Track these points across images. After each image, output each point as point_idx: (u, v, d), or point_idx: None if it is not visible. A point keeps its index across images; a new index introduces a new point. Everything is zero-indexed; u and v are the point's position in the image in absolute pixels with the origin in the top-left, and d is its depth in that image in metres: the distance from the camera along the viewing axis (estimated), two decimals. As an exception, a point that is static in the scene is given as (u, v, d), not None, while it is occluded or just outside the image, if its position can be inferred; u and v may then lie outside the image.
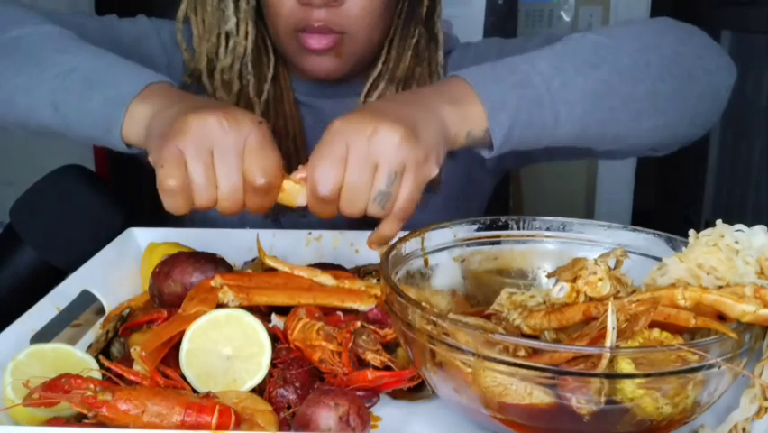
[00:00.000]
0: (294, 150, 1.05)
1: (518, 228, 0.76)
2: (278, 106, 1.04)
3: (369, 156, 0.65)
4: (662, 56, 0.80)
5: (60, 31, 0.84)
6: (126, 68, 0.79)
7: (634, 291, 0.62)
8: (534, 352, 0.54)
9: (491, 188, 1.18)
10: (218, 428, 0.56)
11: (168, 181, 0.65)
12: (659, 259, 0.65)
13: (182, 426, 0.56)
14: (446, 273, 0.74)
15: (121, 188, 1.11)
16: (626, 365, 0.52)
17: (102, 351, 0.72)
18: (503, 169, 1.15)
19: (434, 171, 0.69)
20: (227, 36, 0.99)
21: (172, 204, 0.67)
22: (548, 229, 0.76)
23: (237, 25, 0.98)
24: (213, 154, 0.66)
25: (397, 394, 0.66)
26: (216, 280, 0.73)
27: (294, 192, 0.70)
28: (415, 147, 0.66)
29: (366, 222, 1.05)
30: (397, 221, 0.69)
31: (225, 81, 1.01)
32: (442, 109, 0.71)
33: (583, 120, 0.76)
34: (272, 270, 0.80)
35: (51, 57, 0.80)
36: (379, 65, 1.02)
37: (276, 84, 1.04)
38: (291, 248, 0.91)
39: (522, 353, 0.56)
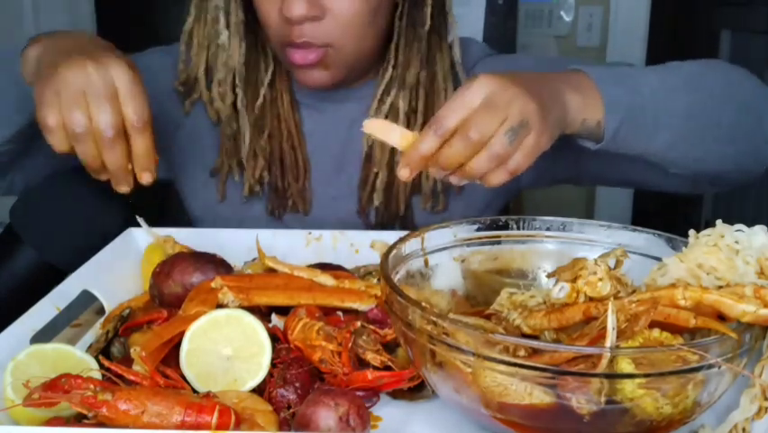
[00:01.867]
0: (290, 149, 1.05)
1: (518, 228, 0.76)
2: (273, 108, 1.04)
3: (504, 108, 0.68)
4: (741, 93, 0.88)
5: None
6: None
7: (634, 291, 0.62)
8: (534, 352, 0.54)
9: (510, 200, 1.18)
10: (218, 428, 0.56)
11: (46, 120, 0.72)
12: (659, 259, 0.65)
13: (182, 426, 0.56)
14: (446, 273, 0.74)
15: (121, 188, 1.11)
16: (626, 365, 0.51)
17: (102, 351, 0.72)
18: (532, 186, 1.14)
19: (547, 147, 0.72)
20: (220, 49, 1.01)
21: (53, 141, 0.74)
22: (548, 229, 0.76)
23: (229, 39, 0.99)
24: (86, 97, 0.72)
25: (397, 394, 0.66)
26: (217, 282, 0.73)
27: None
28: (545, 119, 0.71)
29: (368, 223, 1.05)
30: (507, 173, 0.70)
31: (221, 93, 1.02)
32: (567, 94, 0.76)
33: (676, 134, 0.82)
34: (272, 270, 0.80)
35: None
36: (390, 69, 1.01)
37: (272, 87, 1.04)
38: (291, 248, 0.91)
39: (522, 353, 0.56)
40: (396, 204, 1.04)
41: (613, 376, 0.52)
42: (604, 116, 0.78)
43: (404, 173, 0.70)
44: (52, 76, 0.72)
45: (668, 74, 0.84)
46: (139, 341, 0.67)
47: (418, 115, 1.01)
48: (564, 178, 1.08)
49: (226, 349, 0.65)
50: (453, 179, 0.72)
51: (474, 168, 0.69)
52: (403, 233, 0.72)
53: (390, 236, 0.86)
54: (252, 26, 1.00)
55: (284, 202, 1.06)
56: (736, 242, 0.60)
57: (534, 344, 0.54)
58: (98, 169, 0.76)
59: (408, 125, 1.01)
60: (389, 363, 0.66)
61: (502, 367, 0.54)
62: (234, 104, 1.02)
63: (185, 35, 1.03)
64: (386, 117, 1.01)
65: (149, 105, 0.75)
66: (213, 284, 0.73)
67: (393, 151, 1.01)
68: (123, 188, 0.77)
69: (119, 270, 0.86)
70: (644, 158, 0.85)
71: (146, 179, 0.76)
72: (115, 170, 0.75)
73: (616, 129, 0.79)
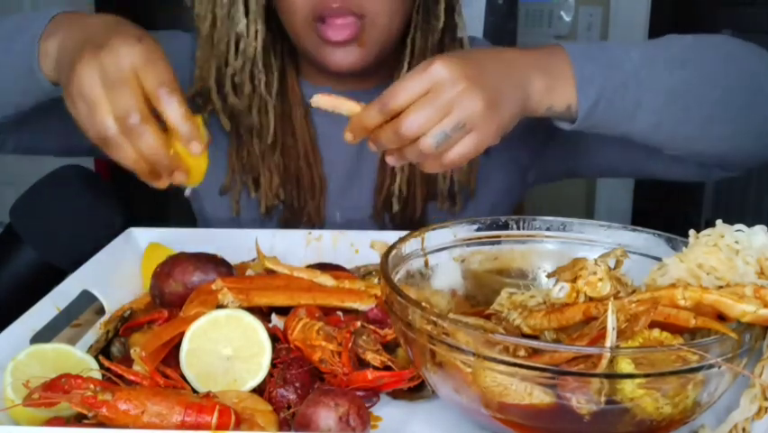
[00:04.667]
0: (306, 166, 1.03)
1: (518, 228, 0.76)
2: (287, 123, 1.02)
3: (448, 102, 0.68)
4: (740, 69, 0.83)
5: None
6: (42, 12, 0.81)
7: (634, 291, 0.62)
8: (534, 352, 0.54)
9: (521, 198, 1.16)
10: (218, 428, 0.56)
11: (81, 120, 0.69)
12: (659, 259, 0.65)
13: (182, 426, 0.56)
14: (446, 273, 0.74)
15: (121, 188, 1.11)
16: (626, 365, 0.51)
17: (102, 351, 0.72)
18: (541, 182, 1.12)
19: (495, 142, 0.72)
20: (237, 40, 0.97)
21: (88, 129, 0.69)
22: (548, 229, 0.76)
23: (247, 26, 0.97)
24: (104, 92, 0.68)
25: (397, 394, 0.66)
26: (217, 284, 0.73)
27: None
28: (490, 118, 0.69)
29: (365, 223, 1.05)
30: (441, 167, 0.71)
31: (236, 84, 0.99)
32: (532, 79, 0.74)
33: (660, 113, 0.79)
34: (272, 271, 0.80)
35: None
36: (405, 65, 1.01)
37: (284, 98, 1.02)
38: (291, 248, 0.91)
39: (522, 353, 0.56)
40: (413, 209, 1.03)
41: (613, 376, 0.52)
42: (576, 97, 0.75)
43: (347, 137, 0.72)
44: (70, 81, 0.69)
45: (655, 49, 0.81)
46: (139, 341, 0.67)
47: None
48: (572, 172, 1.07)
49: (226, 349, 0.65)
50: (390, 159, 0.73)
51: (405, 155, 0.71)
52: (403, 233, 0.72)
53: (390, 236, 0.86)
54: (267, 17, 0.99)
55: (299, 219, 1.05)
56: (736, 242, 0.59)
57: (534, 344, 0.54)
58: (145, 170, 0.70)
59: None
60: (389, 363, 0.66)
61: (502, 367, 0.54)
62: (251, 95, 0.99)
63: (201, 40, 0.99)
64: None
65: (171, 70, 0.70)
66: (213, 286, 0.73)
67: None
68: (179, 179, 0.71)
69: (119, 270, 0.86)
70: (629, 138, 0.82)
71: (195, 149, 0.69)
72: (155, 159, 0.68)
73: (589, 109, 0.76)
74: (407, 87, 0.68)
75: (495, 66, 0.73)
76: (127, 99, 0.67)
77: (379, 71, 1.03)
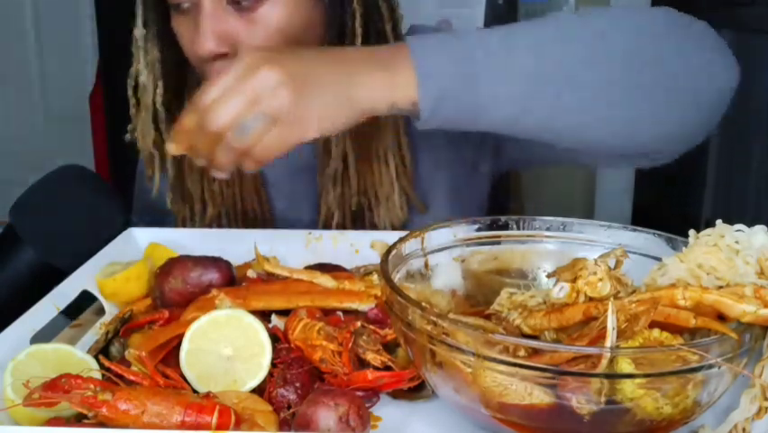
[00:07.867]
0: (249, 194, 1.02)
1: (518, 228, 0.76)
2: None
3: (251, 90, 0.66)
4: (638, 46, 0.74)
5: None
6: None
7: (634, 291, 0.62)
8: (534, 352, 0.54)
9: (488, 188, 1.15)
10: (218, 428, 0.56)
11: None
12: (659, 259, 0.65)
13: (182, 426, 0.56)
14: (446, 273, 0.74)
15: (121, 188, 1.11)
16: (626, 365, 0.51)
17: (102, 351, 0.72)
18: (498, 170, 1.09)
19: (309, 135, 0.69)
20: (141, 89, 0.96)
21: None
22: (548, 229, 0.76)
23: (146, 77, 0.95)
24: None
25: (397, 394, 0.66)
26: (213, 292, 0.74)
27: None
28: (300, 107, 0.67)
29: (363, 222, 1.05)
30: (256, 164, 0.71)
31: (143, 131, 0.97)
32: (362, 73, 0.70)
33: (524, 103, 0.72)
34: (272, 275, 0.80)
35: None
36: None
37: None
38: (291, 249, 0.91)
39: (522, 353, 0.56)
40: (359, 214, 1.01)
41: (613, 376, 0.52)
42: (417, 93, 0.70)
43: (170, 148, 0.71)
44: None
45: (520, 33, 0.73)
46: (138, 342, 0.67)
47: None
48: (518, 162, 1.05)
49: (227, 349, 0.65)
50: (214, 173, 0.72)
51: (219, 159, 0.70)
52: (403, 233, 0.72)
53: (390, 236, 0.86)
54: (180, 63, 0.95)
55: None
56: (736, 242, 0.59)
57: (534, 344, 0.54)
58: None
59: None
60: (390, 364, 0.66)
61: (502, 367, 0.54)
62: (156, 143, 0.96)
63: (131, 79, 0.97)
64: None
65: None
66: (212, 293, 0.74)
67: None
68: None
69: (119, 270, 0.86)
70: (498, 131, 0.75)
71: None
72: None
73: (434, 106, 0.70)
74: (216, 83, 0.68)
75: (315, 56, 0.70)
76: None
77: None
